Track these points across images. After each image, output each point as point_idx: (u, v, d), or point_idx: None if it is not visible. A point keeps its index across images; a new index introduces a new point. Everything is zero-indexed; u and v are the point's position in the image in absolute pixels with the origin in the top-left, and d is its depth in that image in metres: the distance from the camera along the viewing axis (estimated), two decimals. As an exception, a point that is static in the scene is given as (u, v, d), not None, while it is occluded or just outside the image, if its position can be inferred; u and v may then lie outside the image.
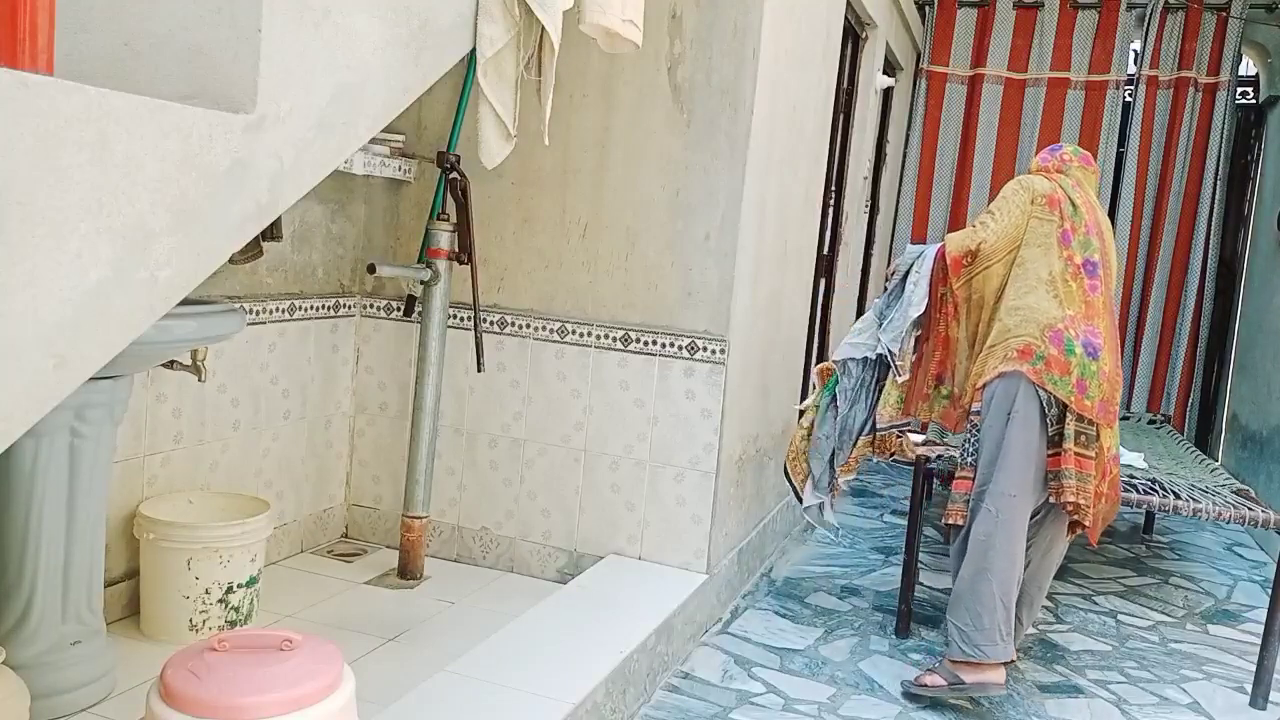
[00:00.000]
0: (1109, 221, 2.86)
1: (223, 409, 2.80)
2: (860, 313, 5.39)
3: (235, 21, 1.26)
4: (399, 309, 3.23)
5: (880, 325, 2.92)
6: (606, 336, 3.01)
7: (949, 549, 2.83)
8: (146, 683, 2.11)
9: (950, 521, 2.78)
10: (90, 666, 2.13)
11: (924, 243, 3.13)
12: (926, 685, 2.66)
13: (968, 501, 2.72)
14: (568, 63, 2.86)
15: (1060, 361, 2.58)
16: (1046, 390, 2.58)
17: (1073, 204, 2.73)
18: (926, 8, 5.67)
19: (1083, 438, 2.59)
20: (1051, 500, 2.66)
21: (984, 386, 2.66)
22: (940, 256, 2.81)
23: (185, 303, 1.28)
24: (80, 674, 2.11)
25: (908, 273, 2.88)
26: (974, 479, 2.70)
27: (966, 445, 2.76)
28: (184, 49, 1.27)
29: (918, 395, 2.89)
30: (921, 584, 3.58)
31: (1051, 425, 2.61)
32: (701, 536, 2.96)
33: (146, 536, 2.44)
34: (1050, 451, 2.63)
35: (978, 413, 2.70)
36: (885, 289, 2.98)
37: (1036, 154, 3.05)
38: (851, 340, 2.96)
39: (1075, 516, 2.65)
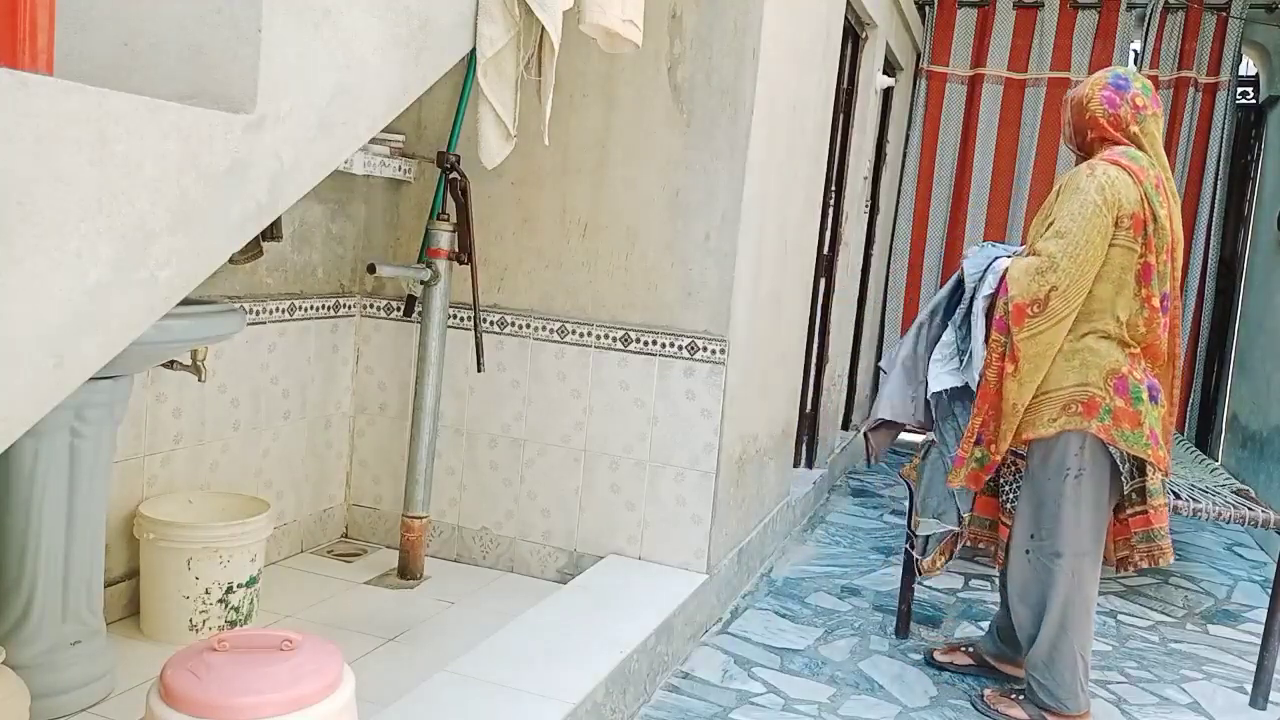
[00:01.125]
0: (1174, 185, 2.47)
1: (223, 409, 2.80)
2: (861, 313, 5.40)
3: (235, 21, 1.26)
4: (399, 309, 3.23)
5: (961, 360, 2.62)
6: (606, 336, 3.01)
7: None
8: (146, 683, 2.11)
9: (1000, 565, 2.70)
10: (90, 666, 2.13)
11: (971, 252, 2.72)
12: (1005, 715, 2.59)
13: (1004, 545, 2.62)
14: (568, 63, 2.86)
15: (1130, 414, 2.34)
16: (1120, 448, 2.37)
17: (1155, 216, 2.34)
18: (926, 8, 5.67)
19: (1162, 490, 2.47)
20: (1143, 565, 2.52)
21: (1036, 440, 2.42)
22: (1003, 290, 2.40)
23: (185, 303, 1.29)
24: (80, 674, 2.11)
25: (975, 288, 2.54)
26: (1012, 527, 2.55)
27: (1007, 490, 2.60)
28: (184, 49, 1.27)
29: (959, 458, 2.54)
30: (921, 584, 3.57)
31: (1128, 482, 2.43)
32: (701, 536, 2.96)
33: (146, 536, 2.44)
34: (1134, 511, 2.48)
35: (1022, 457, 2.50)
36: (946, 303, 2.70)
37: (1096, 91, 2.46)
38: (943, 370, 2.67)
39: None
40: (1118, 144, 2.45)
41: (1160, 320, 2.38)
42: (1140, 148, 2.44)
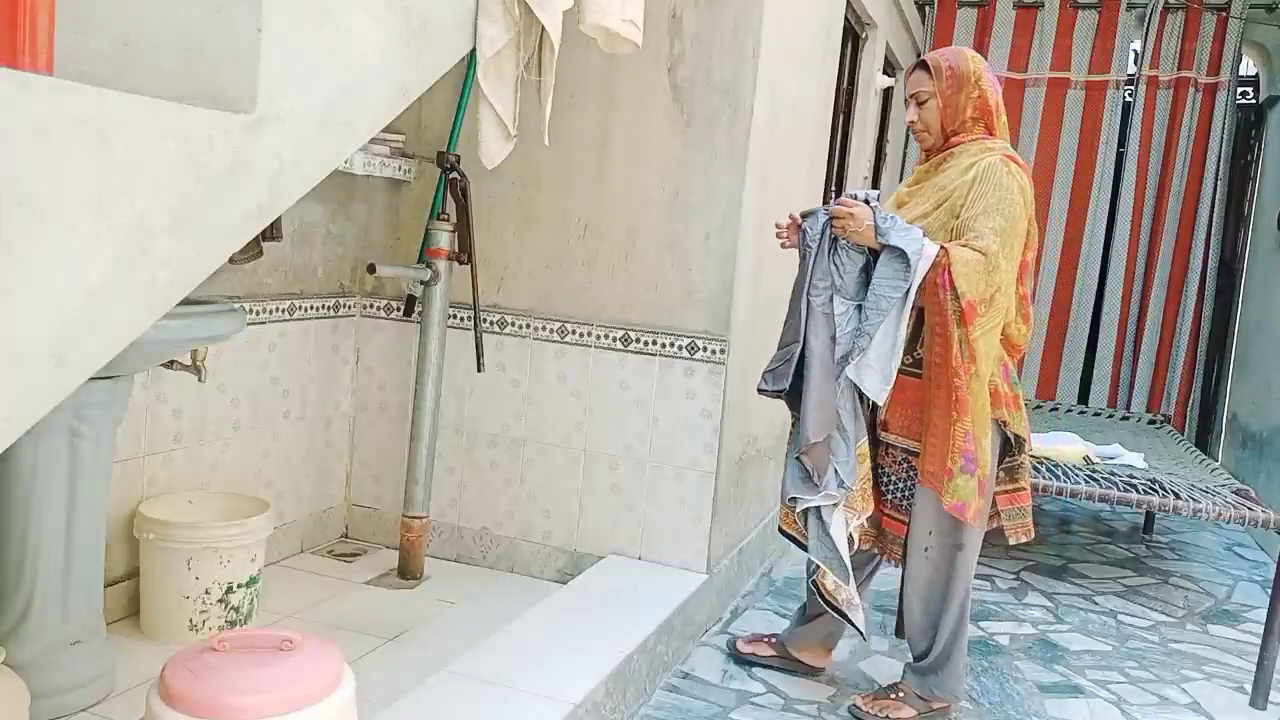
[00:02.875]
0: None
1: (223, 409, 2.80)
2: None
3: (235, 21, 1.26)
4: (399, 309, 3.23)
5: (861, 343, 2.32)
6: (606, 336, 3.01)
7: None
8: (146, 683, 2.11)
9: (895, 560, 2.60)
10: (90, 666, 2.13)
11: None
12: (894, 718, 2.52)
13: (901, 542, 2.55)
14: (568, 63, 2.85)
15: (1012, 397, 2.39)
16: (1009, 430, 2.39)
17: (1033, 215, 2.37)
18: (926, 8, 5.67)
19: (1029, 469, 2.52)
20: (1016, 540, 2.49)
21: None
22: (947, 285, 2.24)
23: (185, 303, 1.28)
24: (80, 674, 2.11)
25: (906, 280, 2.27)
26: (911, 525, 2.48)
27: (893, 484, 2.53)
28: (184, 49, 1.27)
29: (939, 470, 2.36)
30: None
31: (1002, 463, 2.46)
32: (701, 536, 2.96)
33: (146, 536, 2.44)
34: (1003, 489, 2.48)
35: (914, 453, 2.44)
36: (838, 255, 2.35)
37: (982, 70, 2.39)
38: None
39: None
40: (990, 132, 2.40)
41: (1031, 313, 2.44)
42: (995, 137, 2.42)
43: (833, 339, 2.34)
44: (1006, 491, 2.50)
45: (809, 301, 2.35)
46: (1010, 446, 2.46)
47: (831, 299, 2.34)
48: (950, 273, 2.21)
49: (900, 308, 2.25)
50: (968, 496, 2.30)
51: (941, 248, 2.24)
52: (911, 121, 2.45)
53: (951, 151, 2.39)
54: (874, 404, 2.43)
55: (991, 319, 2.27)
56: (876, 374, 2.29)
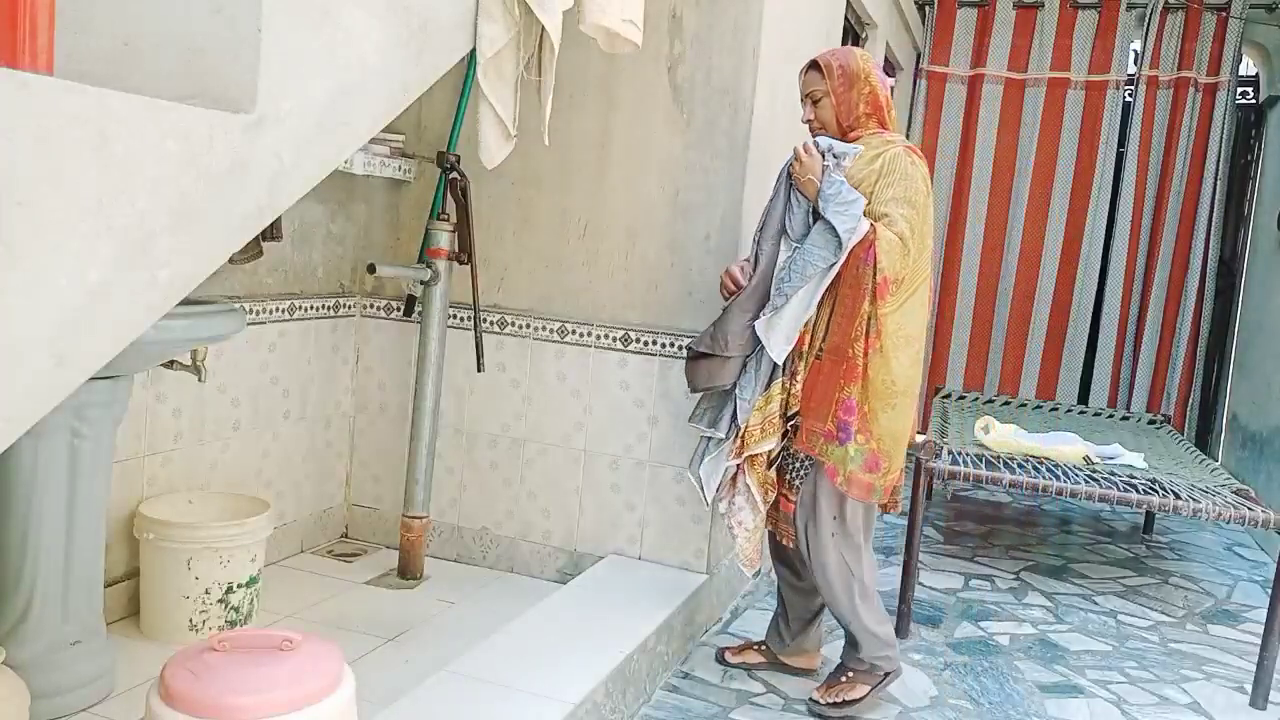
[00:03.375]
0: None
1: (223, 409, 2.80)
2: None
3: (235, 21, 1.26)
4: (399, 309, 3.23)
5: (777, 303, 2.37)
6: (606, 336, 3.01)
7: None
8: (146, 683, 2.11)
9: (788, 544, 2.59)
10: (90, 666, 2.13)
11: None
12: (849, 699, 2.55)
13: (791, 521, 2.53)
14: (568, 63, 2.85)
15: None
16: None
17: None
18: (926, 8, 5.67)
19: None
20: (884, 511, 2.61)
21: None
22: (870, 259, 2.30)
23: (185, 303, 1.28)
24: (80, 674, 2.11)
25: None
26: (796, 500, 2.49)
27: (793, 465, 2.52)
28: (184, 49, 1.27)
29: (815, 433, 2.43)
30: (921, 584, 3.58)
31: None
32: (701, 536, 2.96)
33: (146, 536, 2.44)
34: None
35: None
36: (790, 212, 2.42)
37: (870, 68, 2.44)
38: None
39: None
40: (884, 126, 2.46)
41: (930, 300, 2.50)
42: (889, 131, 2.47)
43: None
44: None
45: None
46: None
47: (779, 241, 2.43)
48: (875, 248, 2.29)
49: (821, 277, 2.33)
50: (839, 462, 2.38)
51: (873, 225, 2.31)
52: (808, 120, 2.51)
53: (851, 143, 2.45)
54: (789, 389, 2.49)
55: (898, 299, 2.35)
56: (782, 335, 2.37)
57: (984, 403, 4.83)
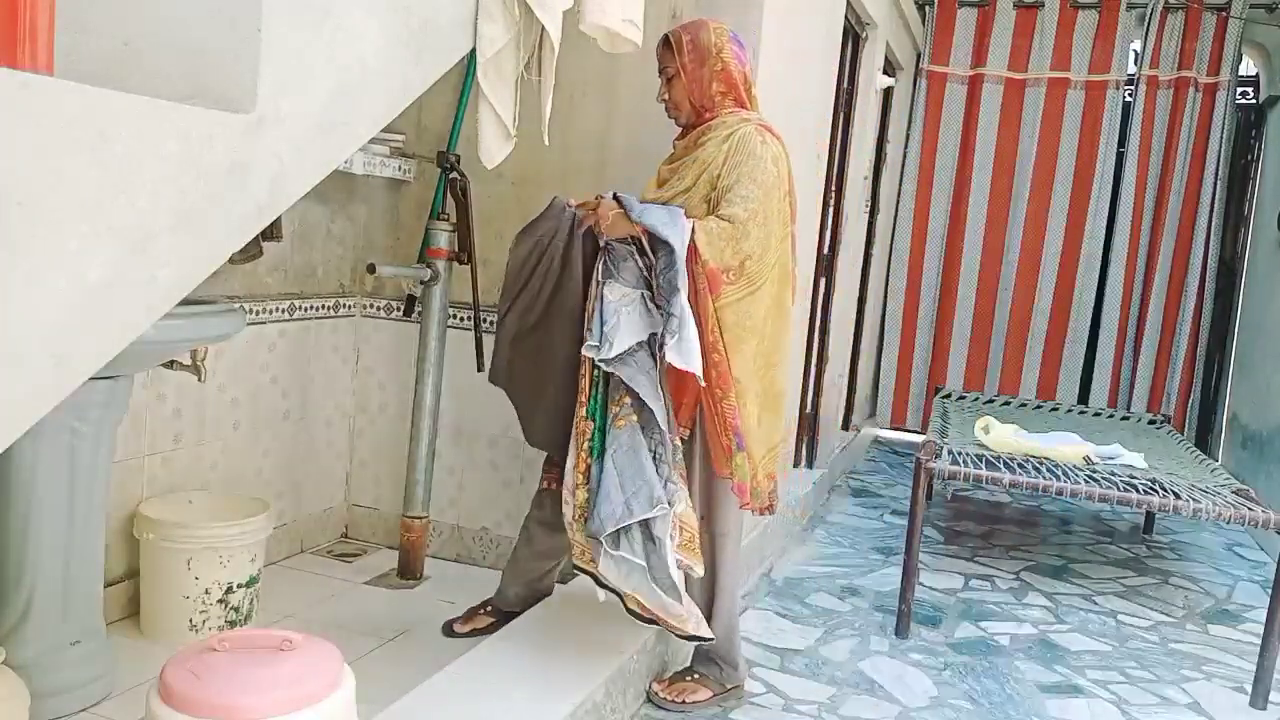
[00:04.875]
0: None
1: (223, 409, 2.80)
2: (861, 313, 5.39)
3: (235, 21, 1.25)
4: (399, 309, 3.23)
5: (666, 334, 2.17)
6: (606, 336, 3.01)
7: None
8: (146, 683, 2.11)
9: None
10: (90, 666, 2.13)
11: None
12: (691, 701, 2.47)
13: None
14: (568, 63, 2.85)
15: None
16: None
17: (792, 188, 2.32)
18: (926, 8, 5.67)
19: None
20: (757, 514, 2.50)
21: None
22: (695, 255, 2.16)
23: (185, 303, 1.28)
24: (80, 674, 2.11)
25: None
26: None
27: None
28: (184, 49, 1.27)
29: (720, 450, 2.29)
30: (921, 584, 3.58)
31: None
32: (701, 536, 2.95)
33: (146, 536, 2.44)
34: None
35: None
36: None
37: (723, 42, 2.30)
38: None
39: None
40: (742, 105, 2.34)
41: (795, 285, 2.38)
42: (749, 109, 2.36)
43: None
44: None
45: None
46: None
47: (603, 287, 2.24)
48: (695, 240, 2.16)
49: (683, 280, 2.17)
50: (744, 477, 2.27)
51: (693, 222, 2.19)
52: (663, 99, 2.39)
53: (709, 125, 2.32)
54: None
55: (741, 289, 2.21)
56: (693, 347, 2.15)
57: (984, 403, 4.83)
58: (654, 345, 2.20)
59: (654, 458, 2.16)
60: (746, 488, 2.29)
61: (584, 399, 2.25)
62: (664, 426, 2.18)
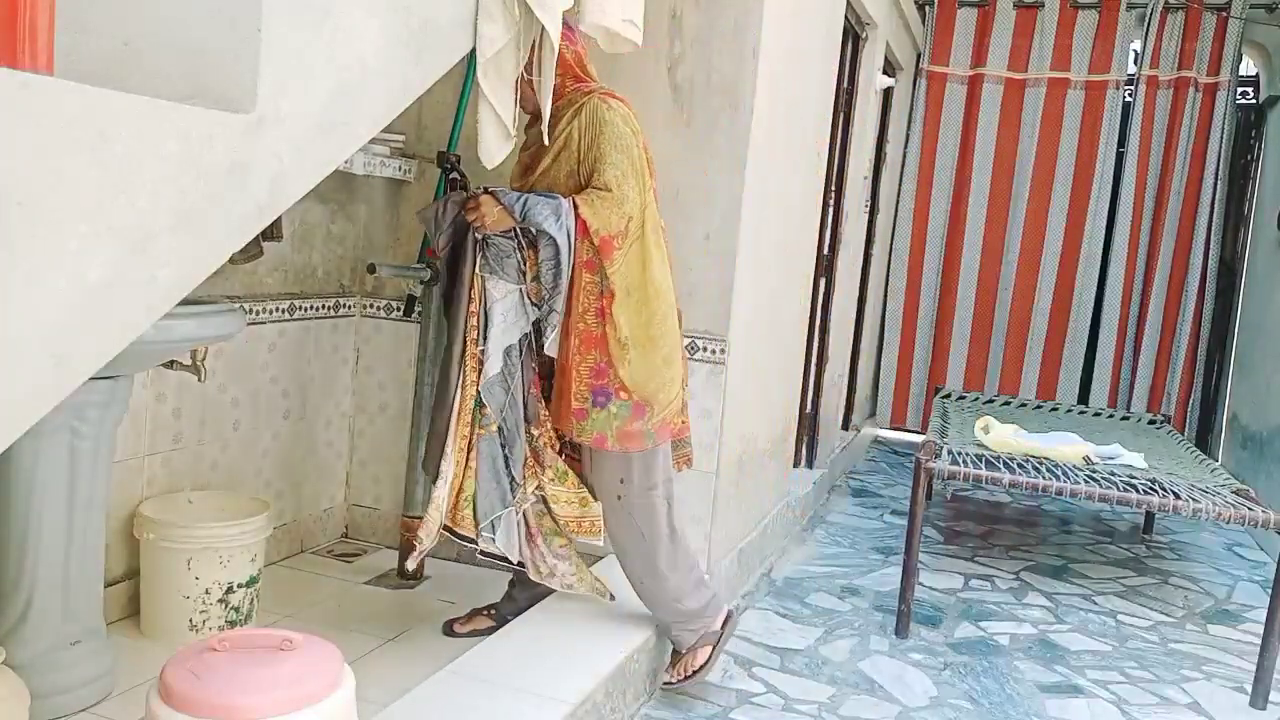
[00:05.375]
0: None
1: (223, 409, 2.80)
2: (861, 313, 5.39)
3: (235, 21, 1.26)
4: (399, 309, 3.23)
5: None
6: (606, 336, 3.01)
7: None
8: (146, 683, 2.11)
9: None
10: (90, 666, 2.13)
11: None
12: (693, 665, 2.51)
13: None
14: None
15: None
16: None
17: (646, 145, 2.40)
18: (926, 8, 5.67)
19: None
20: (688, 467, 2.63)
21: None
22: (583, 232, 2.27)
23: (185, 303, 1.28)
24: (80, 674, 2.11)
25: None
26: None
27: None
28: (184, 49, 1.27)
29: (567, 412, 2.37)
30: (921, 584, 3.58)
31: None
32: (701, 536, 2.95)
33: (146, 536, 2.44)
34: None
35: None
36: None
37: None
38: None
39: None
40: (582, 81, 2.39)
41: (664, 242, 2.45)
42: (589, 80, 2.41)
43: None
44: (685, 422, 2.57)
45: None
46: None
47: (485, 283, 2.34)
48: (581, 217, 2.25)
49: (567, 275, 2.30)
50: (602, 428, 2.32)
51: (570, 200, 2.27)
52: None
53: (556, 108, 2.35)
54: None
55: (628, 250, 2.30)
56: (557, 337, 2.33)
57: (984, 403, 4.83)
58: (522, 344, 2.37)
59: (506, 461, 2.37)
60: (606, 438, 2.32)
61: (472, 392, 2.35)
62: (515, 431, 2.37)
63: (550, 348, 2.32)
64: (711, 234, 2.88)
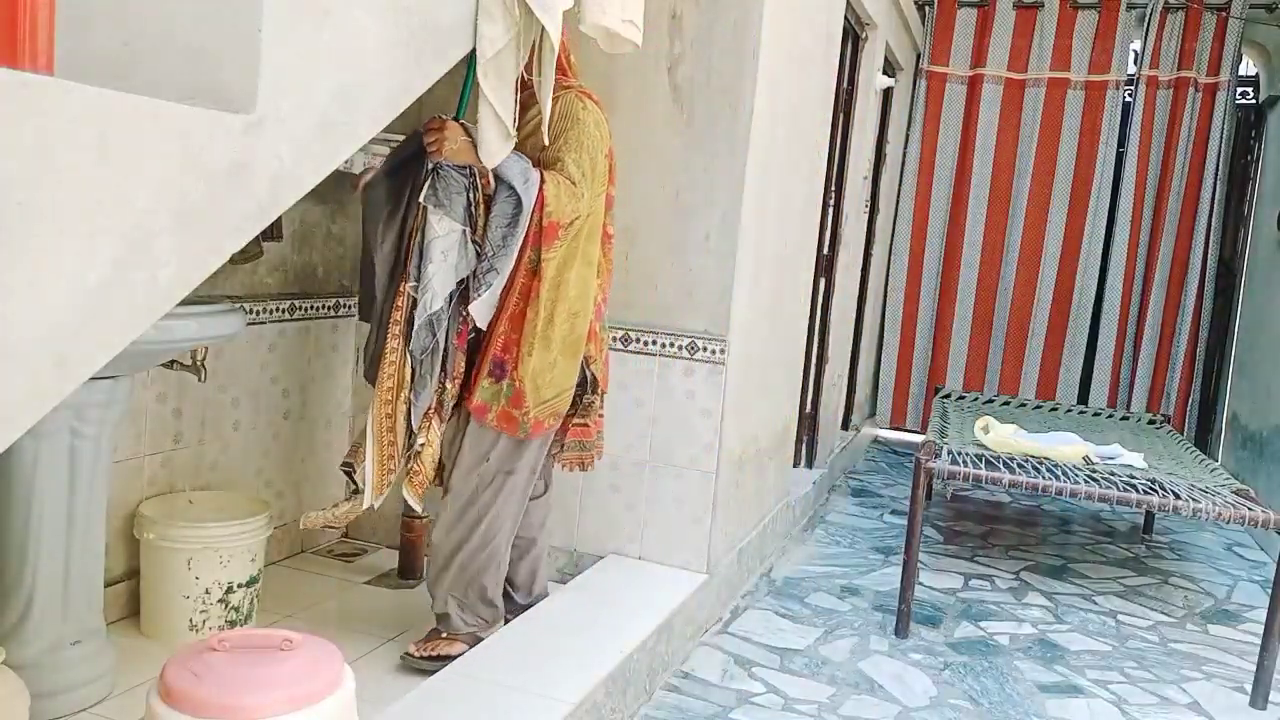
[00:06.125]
0: None
1: (223, 409, 2.80)
2: (861, 313, 5.40)
3: (235, 21, 1.25)
4: (399, 309, 3.22)
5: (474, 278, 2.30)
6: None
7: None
8: (146, 683, 2.11)
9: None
10: (90, 666, 2.13)
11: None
12: (446, 655, 2.43)
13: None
14: (568, 63, 2.86)
15: (600, 338, 2.49)
16: (590, 369, 2.49)
17: (611, 149, 2.40)
18: (926, 8, 5.67)
19: (601, 404, 2.60)
20: (567, 469, 2.62)
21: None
22: (538, 206, 2.25)
23: (185, 303, 1.28)
24: (80, 674, 2.11)
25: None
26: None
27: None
28: (184, 49, 1.27)
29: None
30: (921, 584, 3.58)
31: (582, 398, 2.54)
32: (701, 536, 2.96)
33: (146, 536, 2.44)
34: (577, 423, 2.56)
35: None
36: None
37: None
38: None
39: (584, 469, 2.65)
40: (562, 73, 2.37)
41: (611, 248, 2.49)
42: (568, 77, 2.41)
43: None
44: (575, 425, 2.57)
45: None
46: (587, 385, 2.52)
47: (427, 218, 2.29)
48: (543, 192, 2.25)
49: (519, 241, 2.27)
50: (489, 399, 2.33)
51: (540, 172, 2.27)
52: None
53: (530, 93, 2.30)
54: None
55: (566, 244, 2.30)
56: (488, 303, 2.32)
57: (984, 403, 4.83)
58: (456, 291, 2.31)
59: (408, 410, 2.31)
60: (487, 410, 2.32)
61: (400, 336, 2.29)
62: (427, 378, 2.29)
63: (477, 308, 2.28)
64: (711, 234, 2.88)
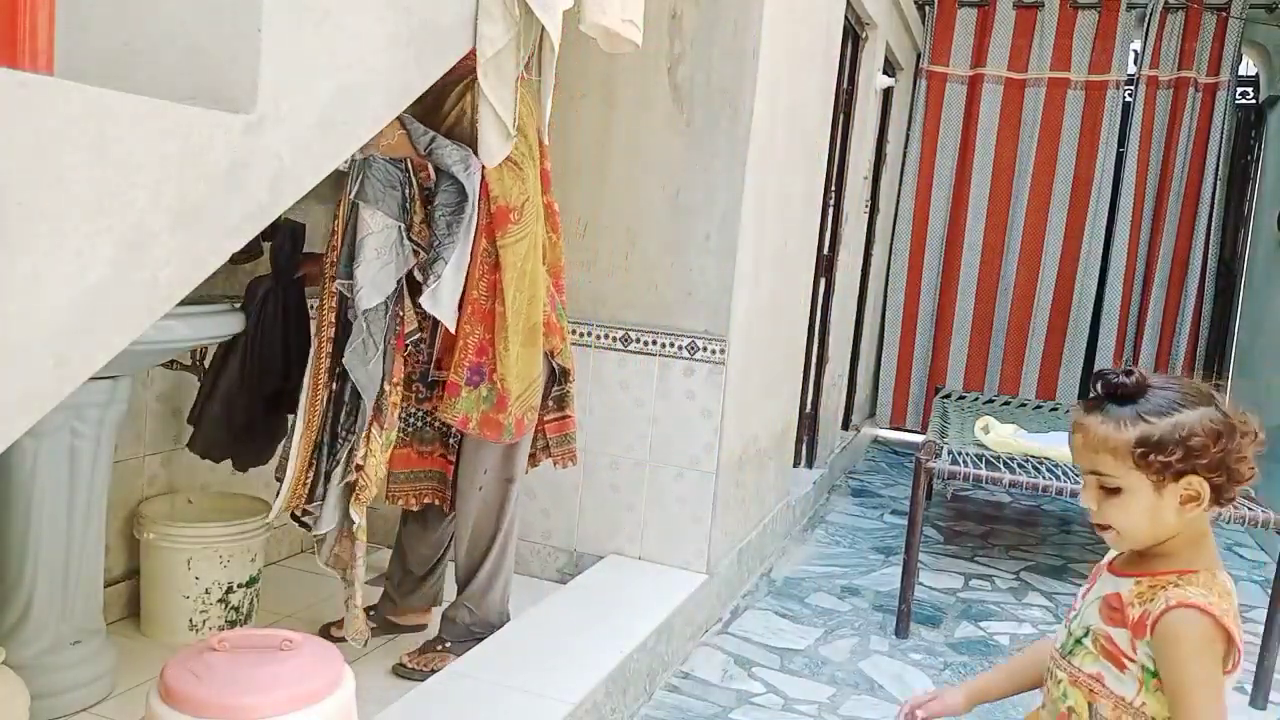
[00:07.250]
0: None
1: (223, 409, 2.80)
2: (861, 313, 5.40)
3: (235, 21, 1.25)
4: (399, 309, 3.22)
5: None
6: (606, 336, 3.01)
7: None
8: (146, 683, 2.11)
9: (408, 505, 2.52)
10: (90, 666, 2.13)
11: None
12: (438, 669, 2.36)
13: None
14: (568, 63, 2.86)
15: (559, 327, 2.42)
16: (557, 362, 2.44)
17: (539, 127, 2.25)
18: (926, 8, 5.67)
19: (573, 398, 2.57)
20: (562, 467, 2.62)
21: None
22: (484, 193, 2.17)
23: (185, 303, 1.28)
24: (80, 674, 2.11)
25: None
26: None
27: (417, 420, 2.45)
28: (184, 49, 1.27)
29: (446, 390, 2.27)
30: (921, 584, 3.58)
31: (551, 392, 2.49)
32: (701, 536, 2.96)
33: (146, 536, 2.44)
34: (553, 417, 2.54)
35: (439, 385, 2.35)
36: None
37: None
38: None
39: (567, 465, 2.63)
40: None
41: (559, 223, 2.42)
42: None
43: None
44: (554, 420, 2.56)
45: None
46: (557, 377, 2.51)
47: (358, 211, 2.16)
48: (486, 176, 2.14)
49: (467, 227, 2.16)
50: (469, 409, 2.24)
51: (480, 162, 2.15)
52: None
53: (451, 80, 2.22)
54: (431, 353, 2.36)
55: (521, 229, 2.22)
56: (449, 299, 2.17)
57: (984, 403, 4.83)
58: (395, 290, 2.16)
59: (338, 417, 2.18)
60: (468, 420, 2.24)
61: (328, 348, 2.16)
62: (368, 383, 2.14)
63: (429, 300, 2.13)
64: (711, 234, 2.88)
